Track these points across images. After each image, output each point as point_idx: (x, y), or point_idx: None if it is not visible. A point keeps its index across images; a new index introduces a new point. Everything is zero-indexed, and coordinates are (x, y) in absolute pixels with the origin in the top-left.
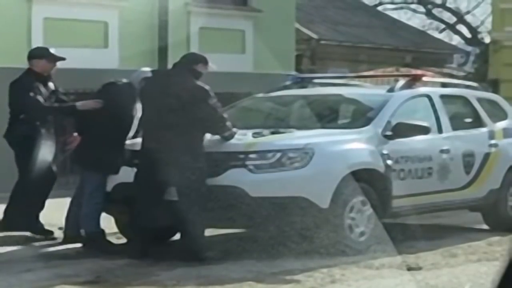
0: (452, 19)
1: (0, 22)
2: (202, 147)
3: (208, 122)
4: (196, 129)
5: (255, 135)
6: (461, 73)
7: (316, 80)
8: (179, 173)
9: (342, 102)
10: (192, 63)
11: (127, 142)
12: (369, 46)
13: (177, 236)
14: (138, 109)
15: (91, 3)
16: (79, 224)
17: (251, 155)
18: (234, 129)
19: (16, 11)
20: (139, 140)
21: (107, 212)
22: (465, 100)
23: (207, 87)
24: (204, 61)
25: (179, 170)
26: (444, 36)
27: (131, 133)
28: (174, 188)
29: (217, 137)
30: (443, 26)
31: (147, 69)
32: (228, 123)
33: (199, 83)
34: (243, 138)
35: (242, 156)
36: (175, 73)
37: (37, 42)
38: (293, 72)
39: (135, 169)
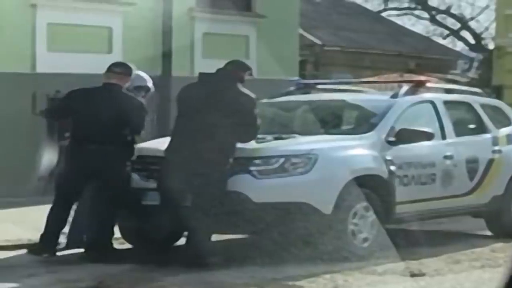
0: (456, 25)
1: (4, 27)
2: (233, 154)
3: (246, 130)
4: (232, 137)
5: (259, 140)
6: (465, 79)
7: (319, 86)
8: (208, 179)
9: (346, 108)
10: (240, 70)
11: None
12: (372, 52)
13: (181, 241)
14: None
15: (95, 9)
16: (82, 230)
17: (255, 161)
18: None
19: (20, 16)
20: (142, 145)
21: None
22: (468, 106)
23: (253, 96)
24: (250, 70)
25: (209, 177)
26: (448, 42)
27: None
28: (191, 195)
29: None
30: (447, 32)
31: (141, 72)
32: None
33: (246, 90)
34: (246, 143)
35: (245, 161)
36: (223, 79)
37: (41, 47)
38: (297, 78)
39: (137, 174)
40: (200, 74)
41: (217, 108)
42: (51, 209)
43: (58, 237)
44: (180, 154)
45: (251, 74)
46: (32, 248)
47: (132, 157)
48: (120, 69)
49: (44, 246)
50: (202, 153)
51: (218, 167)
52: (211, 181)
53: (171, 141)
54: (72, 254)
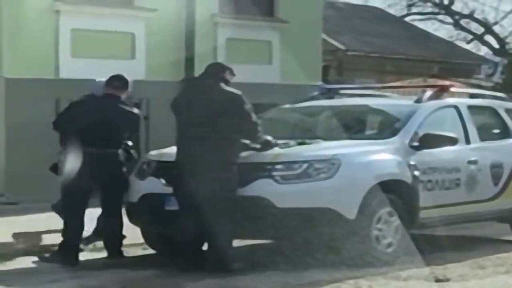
0: (480, 30)
1: (28, 33)
2: (238, 155)
3: (243, 128)
4: (232, 136)
5: (282, 145)
6: (489, 84)
7: (343, 91)
8: (214, 182)
9: (369, 113)
10: (220, 71)
11: (153, 153)
12: (396, 56)
13: (204, 247)
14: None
15: (118, 14)
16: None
17: (278, 166)
18: (269, 137)
19: (43, 22)
20: (165, 150)
21: (134, 223)
22: (493, 111)
23: (240, 93)
24: (231, 70)
25: (214, 180)
26: (472, 47)
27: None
28: (203, 199)
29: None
30: (470, 36)
31: (102, 79)
32: (260, 128)
33: (231, 89)
34: (271, 150)
35: (268, 166)
36: (206, 81)
37: (65, 53)
38: (320, 83)
39: (162, 180)
40: (185, 79)
41: (207, 111)
42: (65, 219)
43: (78, 245)
44: (186, 160)
45: (232, 73)
46: (47, 256)
47: (132, 160)
48: (118, 82)
49: (63, 255)
50: (204, 158)
51: (223, 169)
52: (219, 185)
53: (177, 149)
54: (95, 260)
